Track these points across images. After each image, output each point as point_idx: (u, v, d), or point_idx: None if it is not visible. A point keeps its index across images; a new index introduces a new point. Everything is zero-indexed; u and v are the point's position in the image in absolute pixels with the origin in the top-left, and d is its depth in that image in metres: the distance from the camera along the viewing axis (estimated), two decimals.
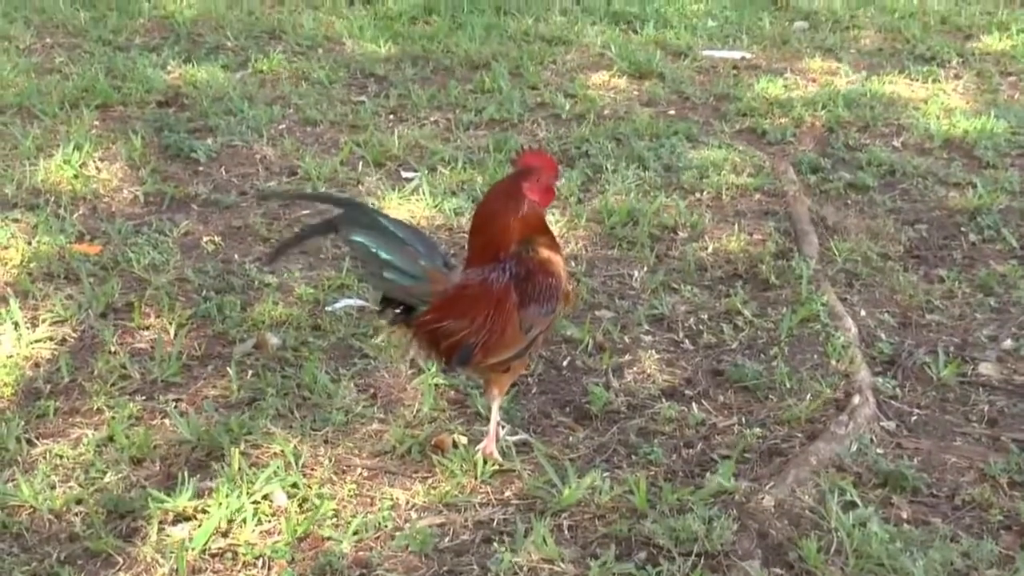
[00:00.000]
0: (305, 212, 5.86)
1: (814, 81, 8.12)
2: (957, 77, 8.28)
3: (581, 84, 7.86)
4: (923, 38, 9.07)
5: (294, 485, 3.92)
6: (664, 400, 4.47)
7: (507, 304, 3.84)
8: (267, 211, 5.92)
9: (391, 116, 7.30)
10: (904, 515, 3.87)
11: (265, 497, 3.86)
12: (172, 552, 3.61)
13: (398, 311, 3.86)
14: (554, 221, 5.69)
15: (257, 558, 3.62)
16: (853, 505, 3.86)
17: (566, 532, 3.78)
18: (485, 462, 4.04)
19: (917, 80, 8.19)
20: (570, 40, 8.81)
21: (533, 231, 3.93)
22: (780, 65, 8.43)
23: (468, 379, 4.39)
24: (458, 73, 7.98)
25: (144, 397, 4.42)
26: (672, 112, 7.49)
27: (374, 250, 3.74)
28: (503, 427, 4.16)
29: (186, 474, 3.91)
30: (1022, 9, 9.98)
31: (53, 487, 3.90)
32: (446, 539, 3.73)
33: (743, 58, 8.58)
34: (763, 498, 3.87)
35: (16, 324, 4.78)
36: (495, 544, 3.70)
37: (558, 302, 3.96)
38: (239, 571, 3.58)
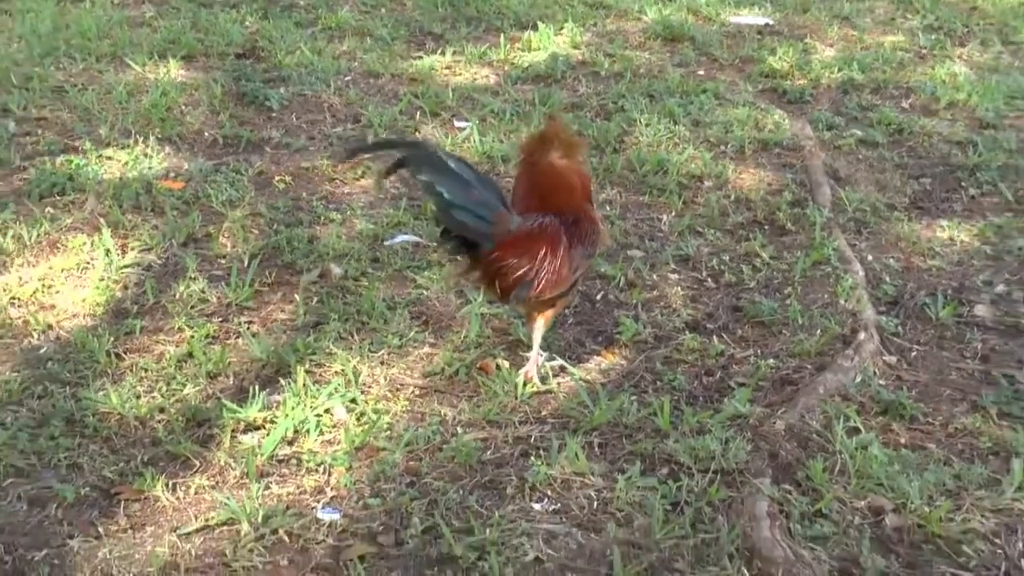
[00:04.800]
0: (366, 157, 5.84)
1: (831, 46, 8.01)
2: (962, 45, 8.16)
3: (619, 45, 7.79)
4: (932, 9, 8.93)
5: (353, 400, 3.93)
6: (687, 332, 4.45)
7: (561, 245, 3.85)
8: (332, 154, 5.91)
9: (446, 71, 7.26)
10: (902, 440, 3.86)
11: (327, 411, 3.88)
12: (243, 457, 3.64)
13: (457, 243, 3.85)
14: (591, 168, 5.67)
15: (319, 465, 3.64)
16: (856, 430, 3.84)
17: (596, 449, 3.78)
18: (525, 384, 4.04)
19: (926, 47, 8.07)
20: (610, 5, 8.72)
21: (587, 192, 4.03)
22: (801, 31, 8.33)
23: (511, 310, 4.38)
24: (508, 33, 7.91)
25: (220, 319, 4.44)
26: (701, 72, 7.42)
27: (439, 188, 3.72)
28: (542, 354, 4.15)
29: (257, 388, 3.93)
30: None
31: (138, 396, 3.94)
32: (488, 452, 3.74)
33: (767, 24, 8.48)
34: (775, 422, 3.86)
35: (107, 251, 4.80)
36: (532, 458, 3.70)
37: (596, 246, 3.99)
38: (302, 476, 3.60)
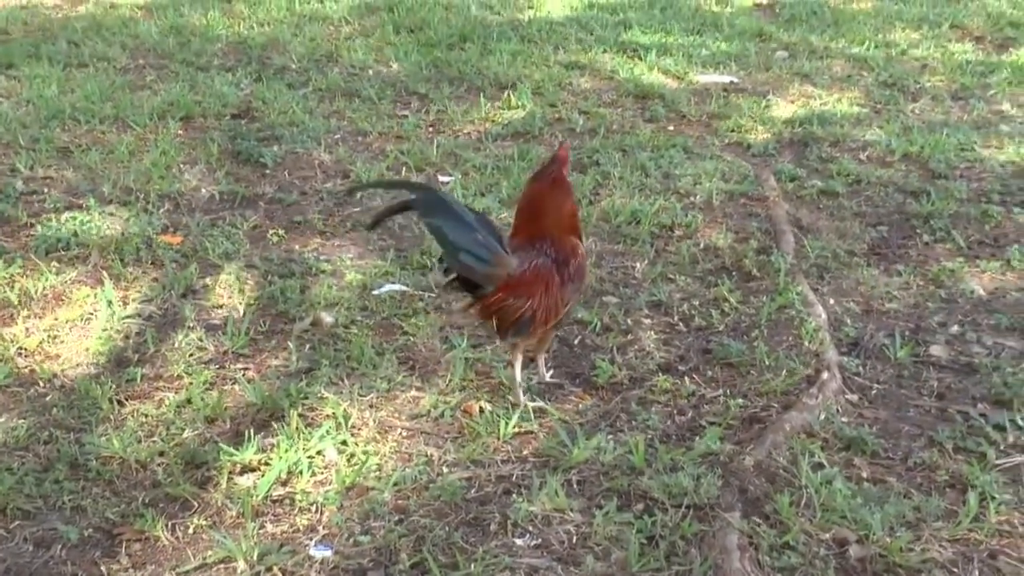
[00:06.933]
0: (356, 210, 5.86)
1: (792, 103, 8.06)
2: (915, 100, 8.22)
3: (593, 103, 7.82)
4: (886, 67, 8.99)
5: (343, 443, 3.92)
6: (661, 374, 4.45)
7: (553, 285, 3.96)
8: (323, 208, 5.91)
9: (430, 128, 7.28)
10: (864, 474, 3.85)
11: (319, 452, 3.86)
12: (239, 498, 3.62)
13: (456, 283, 3.93)
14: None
15: (311, 504, 3.62)
16: (821, 466, 3.84)
17: (575, 486, 3.77)
18: (507, 425, 4.03)
19: (880, 103, 8.13)
20: (584, 65, 8.77)
21: (574, 217, 4.12)
22: (763, 88, 8.37)
23: (493, 353, 4.37)
24: (488, 92, 7.95)
25: (217, 366, 4.43)
26: (671, 128, 7.45)
27: (445, 231, 3.77)
28: (524, 392, 4.17)
29: (252, 432, 3.92)
30: (969, 43, 9.90)
31: (139, 441, 3.92)
32: (472, 491, 3.73)
33: (732, 82, 8.53)
34: (744, 459, 3.86)
35: (110, 302, 4.79)
36: (514, 496, 3.69)
37: (584, 280, 4.12)
38: (296, 515, 3.58)
